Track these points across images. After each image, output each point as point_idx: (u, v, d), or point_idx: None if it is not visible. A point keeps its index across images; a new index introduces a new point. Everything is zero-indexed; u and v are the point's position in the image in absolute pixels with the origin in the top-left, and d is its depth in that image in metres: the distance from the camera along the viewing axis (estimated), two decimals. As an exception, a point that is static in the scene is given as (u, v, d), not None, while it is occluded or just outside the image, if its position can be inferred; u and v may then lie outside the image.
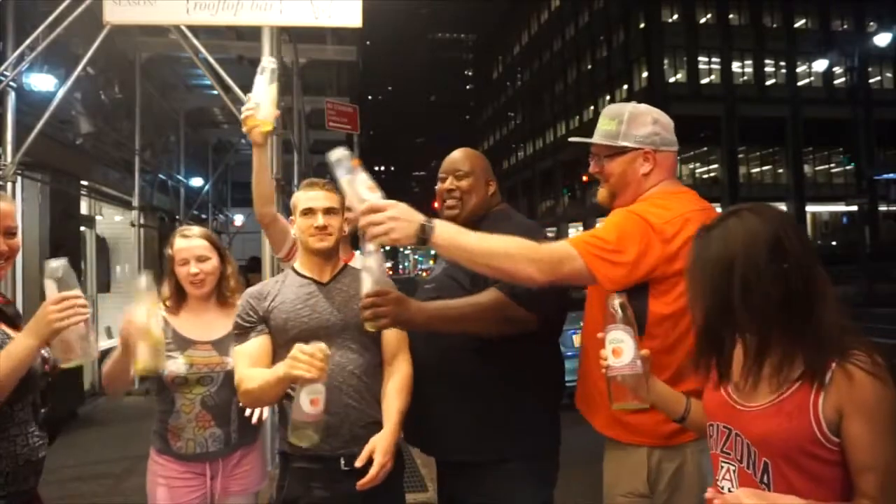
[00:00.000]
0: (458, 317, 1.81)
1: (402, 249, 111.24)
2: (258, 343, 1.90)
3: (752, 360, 1.23)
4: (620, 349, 1.34)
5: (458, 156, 2.16)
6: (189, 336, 2.12)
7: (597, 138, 1.85)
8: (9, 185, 4.52)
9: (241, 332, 1.92)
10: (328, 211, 1.94)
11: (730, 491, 1.23)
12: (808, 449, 1.16)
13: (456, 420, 1.92)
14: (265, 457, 2.35)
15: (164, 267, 2.21)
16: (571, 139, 2.02)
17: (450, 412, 1.93)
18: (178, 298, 2.18)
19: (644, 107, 1.86)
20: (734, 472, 1.26)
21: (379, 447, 1.76)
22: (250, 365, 1.86)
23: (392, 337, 1.94)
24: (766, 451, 1.20)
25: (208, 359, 2.10)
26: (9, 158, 4.45)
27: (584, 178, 31.43)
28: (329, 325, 1.89)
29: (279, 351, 1.87)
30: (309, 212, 1.92)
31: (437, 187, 2.17)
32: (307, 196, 1.94)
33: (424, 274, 35.81)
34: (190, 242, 2.15)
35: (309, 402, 1.60)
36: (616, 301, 1.38)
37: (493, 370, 1.90)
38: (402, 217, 1.61)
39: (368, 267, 1.72)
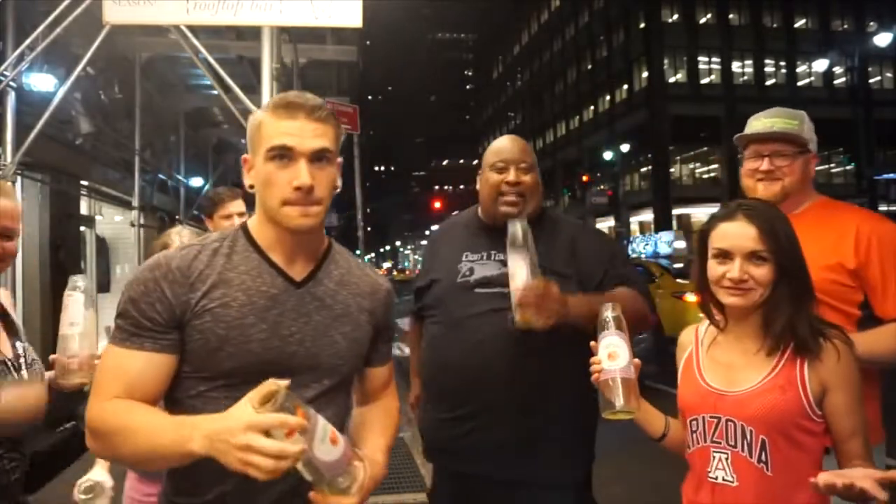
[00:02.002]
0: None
1: (401, 249, 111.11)
2: (153, 363, 1.12)
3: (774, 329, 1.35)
4: (616, 353, 1.34)
5: (518, 145, 1.88)
6: None
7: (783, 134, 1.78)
8: (8, 184, 4.52)
9: (132, 334, 1.12)
10: (320, 156, 1.16)
11: (724, 480, 1.31)
12: (799, 421, 1.28)
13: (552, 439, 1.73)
14: None
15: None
16: (761, 132, 1.79)
17: (543, 431, 1.73)
18: None
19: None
20: (727, 459, 1.32)
21: (362, 477, 1.11)
22: (127, 396, 1.10)
23: (382, 371, 1.39)
24: (764, 429, 1.28)
25: None
26: (9, 158, 4.45)
27: (585, 178, 31.46)
28: (295, 359, 1.17)
29: (190, 384, 1.16)
30: (284, 155, 1.14)
31: (489, 176, 1.85)
32: (283, 127, 1.14)
33: (397, 272, 34.48)
34: None
35: (329, 442, 1.02)
36: (610, 313, 1.39)
37: (577, 388, 1.73)
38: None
39: (521, 248, 1.52)
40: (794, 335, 1.30)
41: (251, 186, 1.21)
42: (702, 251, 1.41)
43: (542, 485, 1.74)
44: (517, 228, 1.56)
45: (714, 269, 1.36)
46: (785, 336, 1.31)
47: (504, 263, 1.71)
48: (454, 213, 2.45)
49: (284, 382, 0.97)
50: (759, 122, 1.83)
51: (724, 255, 1.34)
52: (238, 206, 2.88)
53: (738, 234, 1.33)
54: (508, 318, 1.61)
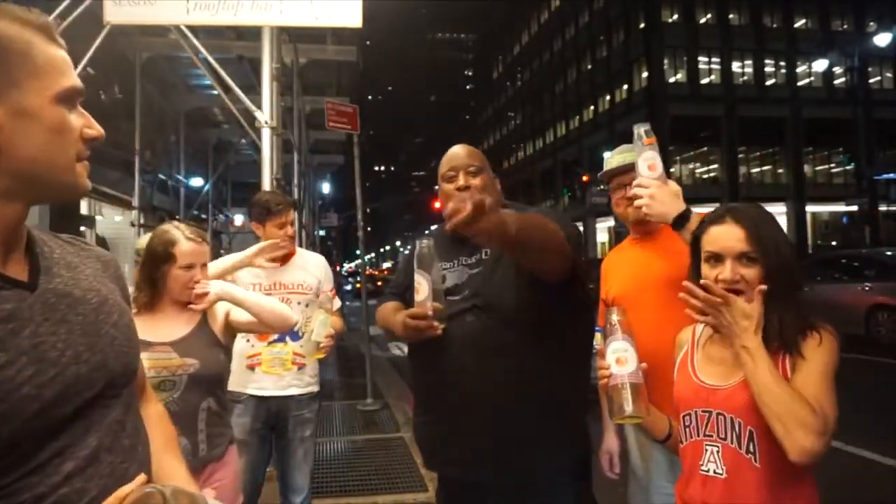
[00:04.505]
0: (540, 238, 1.58)
1: (401, 249, 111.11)
2: None
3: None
4: (625, 358, 1.36)
5: (463, 151, 1.96)
6: (145, 338, 1.78)
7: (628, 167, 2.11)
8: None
9: None
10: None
11: (714, 473, 1.35)
12: None
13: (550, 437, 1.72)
14: (238, 478, 2.10)
15: (147, 263, 1.97)
16: (618, 166, 2.15)
17: (538, 429, 1.70)
18: (154, 300, 1.98)
19: None
20: (718, 452, 1.36)
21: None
22: None
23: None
24: (751, 420, 1.32)
25: (168, 361, 1.88)
26: (9, 158, 4.46)
27: (585, 178, 31.49)
28: (83, 382, 0.87)
29: None
30: (76, 98, 0.91)
31: (444, 188, 1.94)
32: (67, 60, 0.95)
33: (378, 272, 33.85)
34: (202, 248, 2.01)
35: None
36: (615, 316, 1.41)
37: (566, 382, 1.75)
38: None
39: (425, 269, 1.67)
40: (782, 334, 1.34)
41: None
42: (695, 254, 1.46)
43: (530, 486, 1.73)
44: (422, 251, 1.70)
45: (707, 272, 1.40)
46: (775, 335, 1.35)
47: (469, 266, 1.86)
48: None
49: (168, 487, 0.79)
50: (615, 159, 2.15)
51: (716, 258, 1.39)
52: (292, 215, 2.92)
53: (727, 236, 1.38)
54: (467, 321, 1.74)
